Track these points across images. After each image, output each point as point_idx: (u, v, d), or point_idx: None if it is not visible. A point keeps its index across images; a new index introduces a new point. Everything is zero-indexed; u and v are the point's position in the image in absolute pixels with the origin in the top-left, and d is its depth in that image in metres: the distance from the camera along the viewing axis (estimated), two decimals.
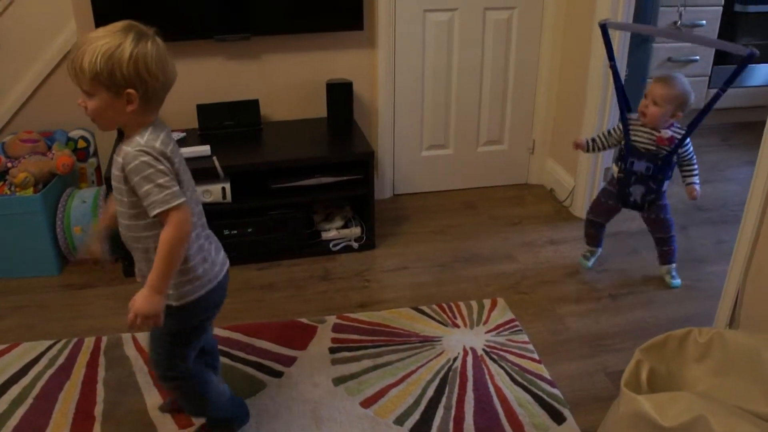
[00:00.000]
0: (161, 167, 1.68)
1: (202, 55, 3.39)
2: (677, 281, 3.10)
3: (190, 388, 2.06)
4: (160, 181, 1.68)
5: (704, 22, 4.48)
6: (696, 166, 2.88)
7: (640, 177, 2.92)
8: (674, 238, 3.06)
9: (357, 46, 3.56)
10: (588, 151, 3.07)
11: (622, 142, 2.95)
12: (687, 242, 3.44)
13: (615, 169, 3.03)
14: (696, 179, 2.86)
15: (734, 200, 3.87)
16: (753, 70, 4.80)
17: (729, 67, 4.75)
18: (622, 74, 3.38)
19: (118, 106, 1.68)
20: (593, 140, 3.04)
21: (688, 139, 2.82)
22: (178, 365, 1.99)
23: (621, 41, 3.28)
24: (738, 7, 4.60)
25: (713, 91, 4.66)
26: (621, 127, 2.95)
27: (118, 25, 1.68)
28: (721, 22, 4.56)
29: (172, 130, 3.35)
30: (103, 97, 1.66)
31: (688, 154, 2.86)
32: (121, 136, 1.80)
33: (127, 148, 1.70)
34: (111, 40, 1.63)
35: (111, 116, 1.71)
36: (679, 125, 2.87)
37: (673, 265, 3.11)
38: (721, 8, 4.53)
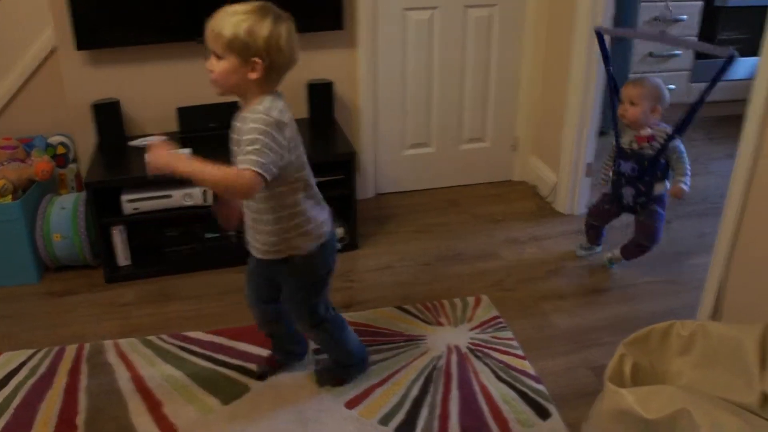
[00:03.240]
0: (264, 139, 1.83)
1: (183, 57, 3.37)
2: (611, 267, 3.17)
3: (332, 330, 2.33)
4: (261, 147, 1.82)
5: (685, 16, 4.49)
6: (687, 167, 2.85)
7: (629, 178, 2.95)
8: (649, 250, 3.06)
9: (337, 46, 3.55)
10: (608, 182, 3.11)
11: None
12: (669, 235, 3.44)
13: (610, 172, 3.07)
14: (685, 178, 2.84)
15: (716, 193, 3.88)
16: (735, 63, 4.81)
17: (710, 61, 4.77)
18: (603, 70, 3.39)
19: (242, 72, 1.86)
20: (605, 173, 3.12)
21: (677, 141, 2.82)
22: (318, 312, 2.26)
23: (606, 38, 3.27)
24: (718, 2, 4.62)
25: (695, 86, 4.73)
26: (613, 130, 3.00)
27: (257, 4, 1.88)
28: (702, 16, 4.58)
29: (152, 134, 3.35)
30: (231, 62, 1.85)
31: (676, 153, 2.85)
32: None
33: (247, 114, 1.90)
34: (252, 17, 1.83)
35: (233, 81, 1.88)
36: (666, 125, 2.87)
37: (623, 261, 3.15)
38: (702, 2, 4.55)
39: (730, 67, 2.49)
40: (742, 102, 4.80)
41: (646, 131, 2.86)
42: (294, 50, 1.92)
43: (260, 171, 1.81)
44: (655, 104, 2.83)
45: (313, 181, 2.10)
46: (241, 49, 1.83)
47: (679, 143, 2.85)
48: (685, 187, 2.83)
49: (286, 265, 2.13)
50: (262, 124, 1.84)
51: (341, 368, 2.45)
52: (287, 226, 2.05)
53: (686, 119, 2.74)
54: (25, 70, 3.38)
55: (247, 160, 1.81)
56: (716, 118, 4.96)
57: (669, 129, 2.84)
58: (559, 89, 3.58)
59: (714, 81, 2.56)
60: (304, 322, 2.30)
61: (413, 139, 3.87)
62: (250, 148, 1.82)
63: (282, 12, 1.90)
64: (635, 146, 2.90)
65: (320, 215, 2.12)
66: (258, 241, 2.10)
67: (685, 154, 2.86)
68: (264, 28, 1.83)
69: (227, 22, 1.82)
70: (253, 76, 1.86)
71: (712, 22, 4.66)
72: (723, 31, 4.73)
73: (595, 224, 3.19)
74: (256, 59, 1.84)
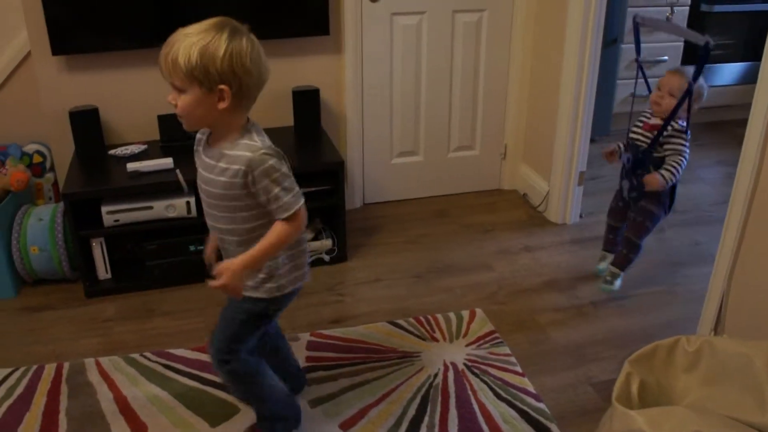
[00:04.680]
0: (284, 169, 1.73)
1: None
2: (610, 287, 2.98)
3: (243, 373, 2.04)
4: (287, 183, 1.73)
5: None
6: (677, 165, 2.71)
7: (626, 170, 2.86)
8: (638, 251, 2.94)
9: (323, 52, 3.46)
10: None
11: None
12: (662, 245, 3.39)
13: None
14: (666, 173, 2.71)
15: (707, 200, 3.84)
16: (720, 69, 4.80)
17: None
18: (595, 76, 3.33)
19: (209, 102, 1.67)
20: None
21: (685, 141, 2.72)
22: (236, 348, 1.98)
23: (593, 42, 3.22)
24: (704, 7, 4.60)
25: None
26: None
27: (212, 21, 1.67)
28: (688, 21, 4.55)
29: (132, 143, 3.24)
30: (195, 93, 1.66)
31: (674, 150, 2.72)
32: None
33: (246, 154, 1.71)
34: (206, 36, 1.63)
35: (201, 113, 1.70)
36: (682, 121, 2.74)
37: (620, 273, 2.99)
38: (687, 8, 4.52)
39: (708, 54, 2.42)
40: (728, 108, 4.82)
41: (656, 120, 2.75)
42: (262, 67, 1.71)
43: (300, 206, 1.76)
44: (693, 103, 2.69)
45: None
46: (203, 77, 1.63)
47: (684, 145, 2.72)
48: (660, 178, 2.70)
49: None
50: (272, 160, 1.71)
51: (262, 421, 2.19)
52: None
53: (674, 109, 2.64)
54: None
55: (285, 205, 1.74)
56: (703, 124, 4.93)
57: (679, 125, 2.72)
58: (549, 96, 3.52)
59: (698, 70, 2.54)
60: (216, 349, 2.01)
61: (401, 147, 3.79)
62: (278, 189, 1.73)
63: (240, 25, 1.70)
64: (636, 135, 2.80)
65: (285, 268, 1.91)
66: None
67: (683, 155, 2.72)
68: (222, 48, 1.62)
69: (181, 48, 1.62)
70: (222, 105, 1.67)
71: (697, 28, 4.63)
72: (708, 36, 4.71)
73: (612, 225, 3.07)
74: (223, 86, 1.65)
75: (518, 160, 3.95)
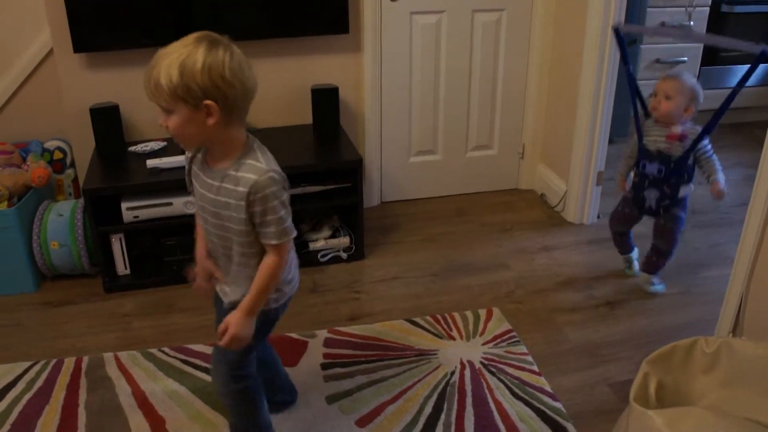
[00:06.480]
0: (283, 198, 1.70)
1: None
2: (658, 287, 3.03)
3: (249, 397, 2.03)
4: (282, 213, 1.70)
5: (693, 22, 4.43)
6: (717, 164, 2.74)
7: (653, 180, 2.84)
8: (671, 256, 2.97)
9: (342, 50, 3.47)
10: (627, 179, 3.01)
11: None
12: (681, 246, 3.35)
13: (632, 174, 2.96)
14: (719, 175, 2.73)
15: (726, 202, 3.81)
16: (740, 71, 4.76)
17: (716, 68, 4.73)
18: (614, 76, 3.32)
19: (198, 120, 1.62)
20: (625, 169, 3.00)
21: (705, 140, 2.73)
22: (246, 367, 1.99)
23: (612, 43, 3.21)
24: (725, 8, 4.57)
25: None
26: (635, 131, 2.88)
27: (191, 37, 1.62)
28: (709, 22, 4.53)
29: (152, 140, 3.27)
30: (182, 112, 1.61)
31: (705, 152, 2.74)
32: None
33: (251, 176, 1.67)
34: (183, 52, 1.58)
35: (193, 132, 1.65)
36: (691, 124, 2.78)
37: (654, 277, 3.03)
38: (708, 8, 4.49)
39: (759, 64, 2.38)
40: (748, 110, 4.77)
41: (678, 129, 2.75)
42: (246, 78, 1.63)
43: (290, 238, 1.74)
44: (689, 103, 2.72)
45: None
46: (187, 95, 1.57)
47: (706, 141, 2.74)
48: (723, 187, 2.72)
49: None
50: (277, 187, 1.67)
51: None
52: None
53: (716, 116, 2.62)
54: (21, 73, 3.30)
55: (276, 233, 1.71)
56: (722, 126, 4.88)
57: (699, 129, 2.74)
58: (568, 96, 3.51)
59: (747, 75, 2.48)
60: (226, 371, 1.99)
61: (419, 146, 3.79)
62: (272, 217, 1.69)
63: (219, 37, 1.63)
64: (662, 146, 2.78)
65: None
66: (241, 287, 1.85)
67: (712, 151, 2.76)
68: (200, 62, 1.56)
69: (162, 69, 1.57)
70: (211, 121, 1.61)
71: (718, 29, 4.60)
72: (729, 37, 4.68)
73: (619, 230, 3.08)
74: (208, 102, 1.59)
75: (536, 159, 3.94)
